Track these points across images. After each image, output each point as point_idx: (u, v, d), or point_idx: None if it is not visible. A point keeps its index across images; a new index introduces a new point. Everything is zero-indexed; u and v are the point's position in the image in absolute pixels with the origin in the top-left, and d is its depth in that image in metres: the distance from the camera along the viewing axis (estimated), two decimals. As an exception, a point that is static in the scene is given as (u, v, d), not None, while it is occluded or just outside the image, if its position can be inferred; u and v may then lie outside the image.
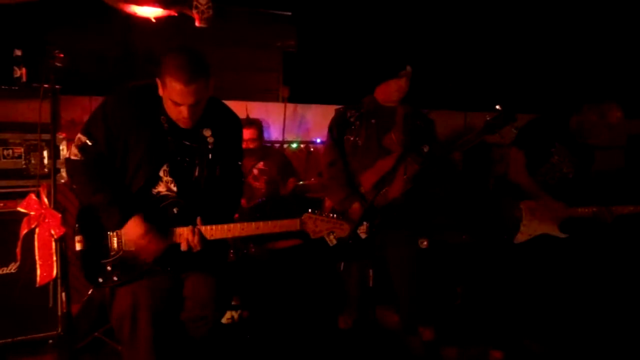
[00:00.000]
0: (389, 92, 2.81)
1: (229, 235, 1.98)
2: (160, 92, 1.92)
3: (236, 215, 3.08)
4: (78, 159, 1.94)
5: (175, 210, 1.99)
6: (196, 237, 1.94)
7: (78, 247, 1.97)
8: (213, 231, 1.97)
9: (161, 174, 1.99)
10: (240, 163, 2.25)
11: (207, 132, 2.02)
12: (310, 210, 1.98)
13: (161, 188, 2.00)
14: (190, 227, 1.95)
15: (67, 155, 2.00)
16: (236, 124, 2.21)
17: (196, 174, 2.03)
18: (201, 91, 1.87)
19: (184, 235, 1.96)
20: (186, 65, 1.82)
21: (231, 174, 2.17)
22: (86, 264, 1.98)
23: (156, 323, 1.98)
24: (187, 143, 2.01)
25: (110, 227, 1.96)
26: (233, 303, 3.20)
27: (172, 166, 1.99)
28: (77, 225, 1.99)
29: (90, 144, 1.93)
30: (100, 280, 1.97)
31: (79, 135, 1.97)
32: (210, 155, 2.03)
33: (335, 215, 1.99)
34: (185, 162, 2.01)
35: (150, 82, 1.98)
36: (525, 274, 2.93)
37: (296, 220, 1.98)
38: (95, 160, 1.94)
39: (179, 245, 1.97)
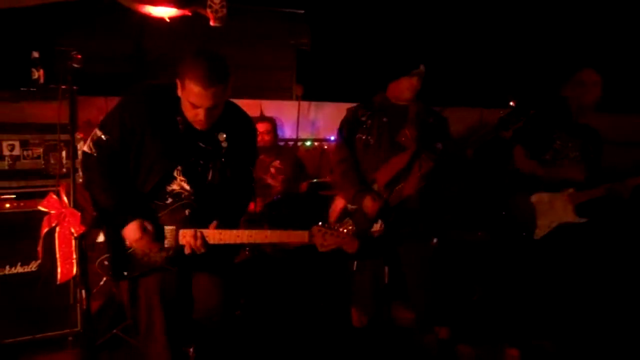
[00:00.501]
0: (401, 90, 2.80)
1: (238, 241, 1.99)
2: (179, 92, 1.93)
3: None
4: (92, 153, 1.98)
5: (187, 211, 2.01)
6: (199, 241, 1.96)
7: (101, 239, 2.03)
8: (222, 236, 1.98)
9: (175, 173, 2.01)
10: (252, 168, 2.26)
11: (222, 137, 2.04)
12: (320, 223, 1.95)
13: (175, 186, 2.03)
14: (192, 231, 1.97)
15: (84, 149, 2.04)
16: (251, 129, 2.23)
17: (209, 176, 2.05)
18: (219, 95, 1.88)
19: (186, 238, 1.98)
20: (207, 69, 1.83)
21: (242, 179, 2.18)
22: (100, 256, 2.03)
23: (169, 317, 2.04)
24: (202, 145, 2.02)
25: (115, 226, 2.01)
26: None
27: (186, 167, 2.01)
28: (97, 220, 2.05)
29: (104, 139, 1.97)
30: (112, 272, 2.03)
31: (96, 129, 2.00)
32: (223, 159, 2.06)
33: (346, 231, 1.96)
34: (199, 164, 2.03)
35: (167, 82, 2.00)
36: (544, 269, 2.89)
37: (305, 232, 1.96)
38: (108, 157, 1.98)
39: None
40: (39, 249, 2.16)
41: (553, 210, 2.86)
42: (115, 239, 2.00)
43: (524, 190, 2.96)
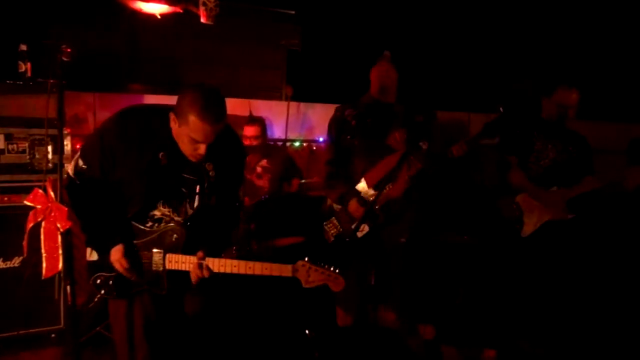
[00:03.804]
0: (376, 79, 2.84)
1: (221, 270, 1.98)
2: (173, 125, 1.91)
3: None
4: (75, 180, 2.01)
5: (174, 237, 2.01)
6: (206, 272, 1.96)
7: (91, 257, 2.04)
8: (211, 264, 1.97)
9: (158, 205, 2.03)
10: (238, 189, 2.28)
11: (209, 167, 2.01)
12: (306, 258, 1.93)
13: (157, 212, 2.04)
14: (196, 262, 1.96)
15: (68, 171, 2.06)
16: (239, 152, 2.22)
17: (195, 204, 2.05)
18: (220, 130, 1.89)
19: (190, 269, 1.97)
20: (214, 105, 1.83)
21: (229, 203, 2.19)
22: (93, 274, 2.06)
23: (149, 336, 2.07)
24: (187, 176, 2.02)
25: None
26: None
27: (169, 199, 2.02)
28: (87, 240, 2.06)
29: (85, 168, 1.99)
30: (103, 291, 2.05)
31: (78, 157, 2.02)
32: (208, 188, 2.04)
33: (332, 268, 1.93)
34: (182, 194, 2.03)
35: (156, 108, 2.00)
36: (531, 269, 2.93)
37: (288, 266, 1.94)
38: (90, 185, 2.00)
39: (175, 271, 2.00)
40: (24, 243, 2.13)
41: (539, 208, 2.90)
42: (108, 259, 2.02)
43: (508, 192, 3.01)
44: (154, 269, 2.01)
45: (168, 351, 2.16)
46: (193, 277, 1.98)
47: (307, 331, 3.19)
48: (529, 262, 2.93)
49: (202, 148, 1.88)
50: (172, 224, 2.01)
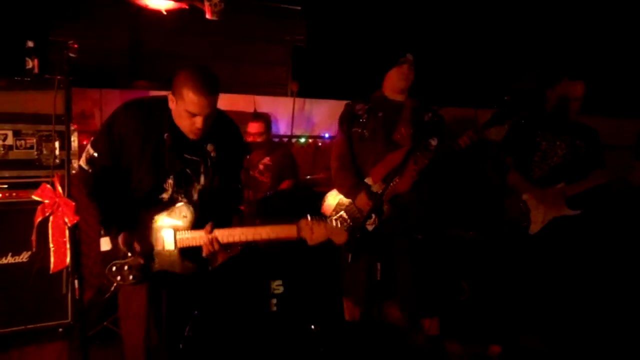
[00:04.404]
0: (394, 80, 2.84)
1: (229, 240, 2.09)
2: (172, 105, 2.04)
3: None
4: (87, 169, 2.13)
5: (183, 216, 2.10)
6: (216, 244, 2.08)
7: (105, 247, 2.10)
8: (220, 234, 2.09)
9: (165, 185, 2.13)
10: (239, 172, 2.38)
11: (211, 147, 2.13)
12: (308, 216, 2.00)
13: (165, 195, 2.15)
14: (205, 236, 2.07)
15: (80, 163, 2.17)
16: (238, 138, 2.35)
17: (200, 184, 2.16)
18: (215, 104, 2.01)
19: (201, 243, 2.07)
20: (206, 79, 1.96)
21: (231, 184, 2.31)
22: (107, 264, 2.13)
23: (158, 325, 2.18)
24: (189, 157, 2.13)
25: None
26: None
27: (174, 179, 2.13)
28: (102, 228, 2.13)
29: (96, 156, 2.11)
30: (119, 278, 2.11)
31: (88, 146, 2.14)
32: (211, 168, 2.16)
33: (334, 221, 2.01)
34: (187, 174, 2.14)
35: (156, 98, 2.14)
36: (538, 265, 2.92)
37: (293, 226, 2.03)
38: (102, 172, 2.12)
39: (187, 249, 2.10)
40: (33, 238, 2.15)
41: (545, 205, 2.89)
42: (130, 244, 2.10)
43: (514, 190, 2.99)
44: (166, 249, 2.09)
45: (177, 341, 2.21)
46: (205, 251, 2.08)
47: (312, 326, 3.20)
48: (535, 259, 2.91)
49: (199, 121, 1.98)
50: (181, 204, 2.11)
